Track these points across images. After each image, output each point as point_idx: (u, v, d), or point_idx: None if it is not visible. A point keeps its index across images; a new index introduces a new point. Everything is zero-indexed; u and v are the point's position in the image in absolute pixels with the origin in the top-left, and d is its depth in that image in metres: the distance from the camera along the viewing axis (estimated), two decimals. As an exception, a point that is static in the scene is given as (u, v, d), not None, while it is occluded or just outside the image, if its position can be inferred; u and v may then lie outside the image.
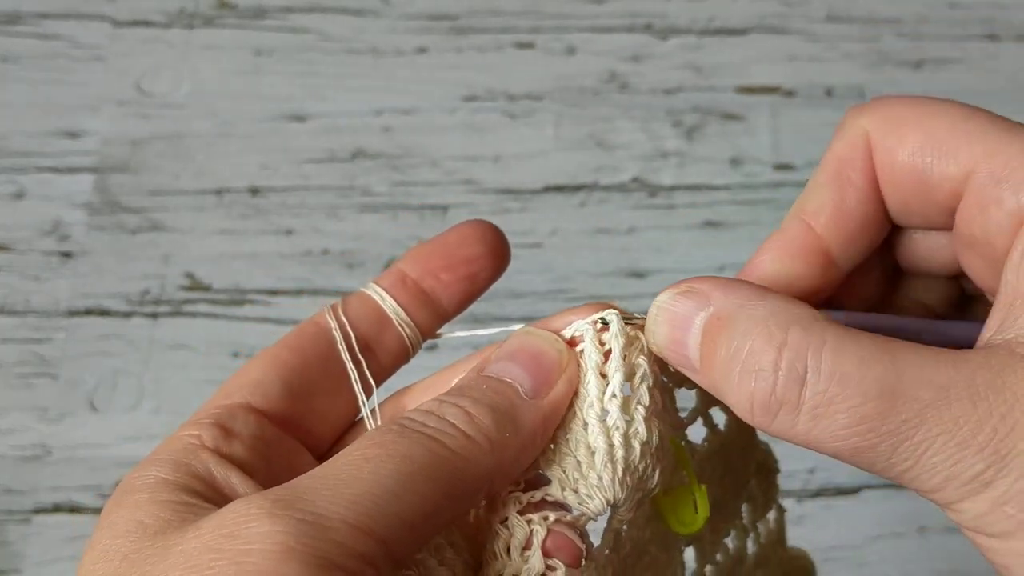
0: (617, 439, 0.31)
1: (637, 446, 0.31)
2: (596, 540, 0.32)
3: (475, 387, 0.30)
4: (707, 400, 0.36)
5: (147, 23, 0.82)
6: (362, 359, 0.36)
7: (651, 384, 0.32)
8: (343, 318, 0.36)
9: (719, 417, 0.37)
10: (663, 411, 0.32)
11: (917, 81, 0.82)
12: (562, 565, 0.30)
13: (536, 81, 0.81)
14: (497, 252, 0.38)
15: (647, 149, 0.79)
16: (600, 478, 0.30)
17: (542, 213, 0.77)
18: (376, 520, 0.26)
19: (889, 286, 0.36)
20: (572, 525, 0.31)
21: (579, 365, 0.32)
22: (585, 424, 0.31)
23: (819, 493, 0.70)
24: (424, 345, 0.38)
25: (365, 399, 0.35)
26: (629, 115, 0.80)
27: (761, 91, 0.81)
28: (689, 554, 0.38)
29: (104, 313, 0.74)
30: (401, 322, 0.36)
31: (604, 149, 0.79)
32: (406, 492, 0.27)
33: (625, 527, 0.33)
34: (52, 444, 0.70)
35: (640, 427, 0.31)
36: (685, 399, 0.35)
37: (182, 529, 0.27)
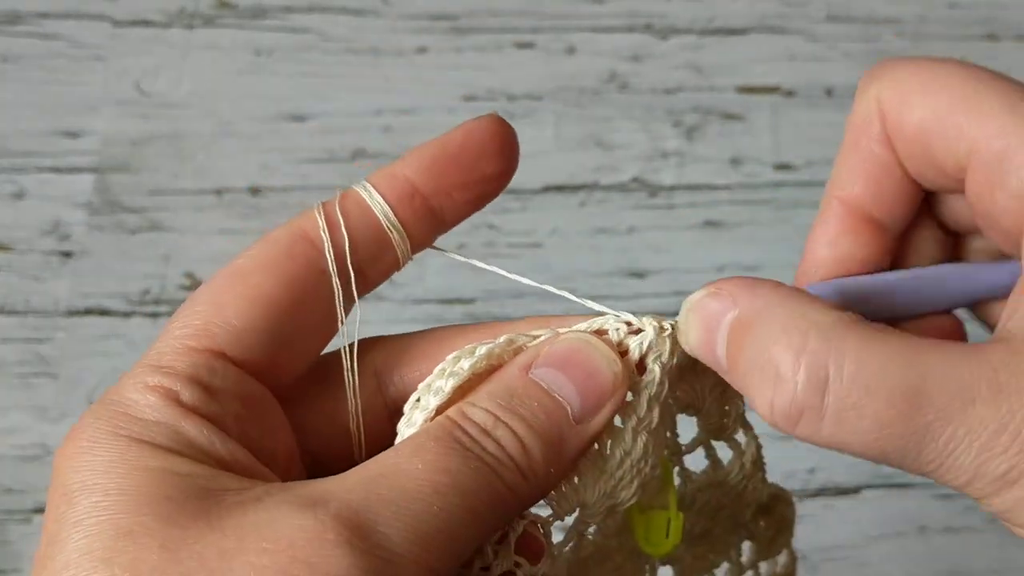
0: (601, 446, 0.30)
1: (619, 454, 0.30)
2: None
3: (527, 403, 0.29)
4: (709, 432, 0.35)
5: (147, 23, 0.82)
6: (356, 297, 0.32)
7: (652, 395, 0.31)
8: (342, 237, 0.31)
9: (724, 453, 0.36)
10: (659, 427, 0.32)
11: (917, 81, 0.82)
12: (526, 562, 0.30)
13: (536, 81, 0.81)
14: (513, 165, 0.34)
15: (647, 149, 0.79)
16: (577, 479, 0.30)
17: (542, 213, 0.77)
18: (440, 560, 0.26)
19: (949, 242, 0.35)
20: (539, 523, 0.30)
21: (628, 387, 0.31)
22: None
23: (819, 493, 0.70)
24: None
25: (351, 367, 0.32)
26: (629, 115, 0.80)
27: (761, 91, 0.81)
28: (668, 572, 0.37)
29: (104, 313, 0.74)
30: (399, 242, 0.33)
31: (604, 149, 0.79)
32: (466, 532, 0.27)
33: (592, 532, 0.33)
34: (52, 444, 0.70)
35: (627, 436, 0.31)
36: (689, 428, 0.35)
37: (228, 523, 0.25)
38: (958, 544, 0.70)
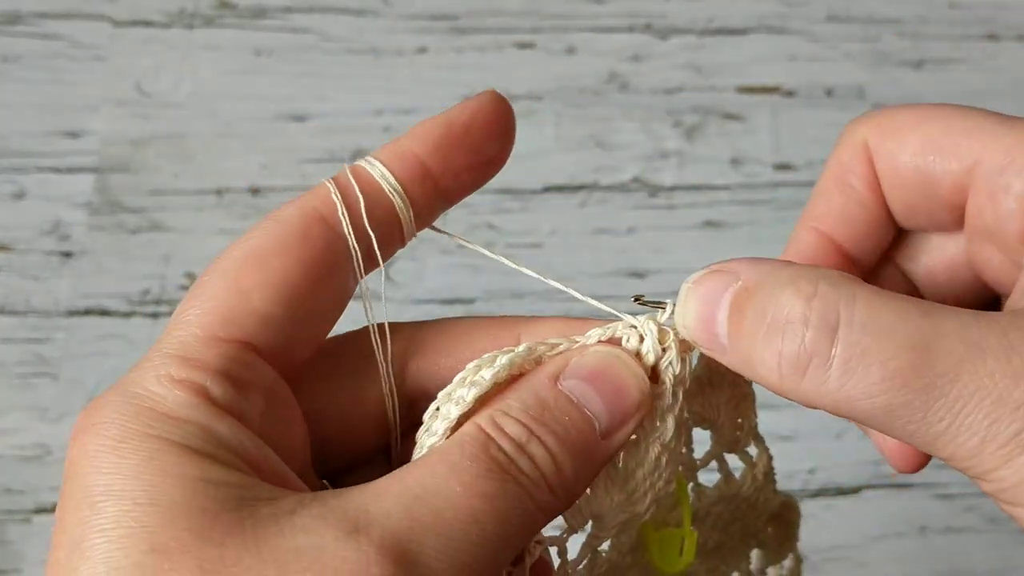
0: (616, 459, 0.30)
1: (632, 467, 0.30)
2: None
3: (558, 417, 0.28)
4: (722, 445, 0.35)
5: (147, 23, 0.82)
6: (362, 276, 0.31)
7: (666, 407, 0.31)
8: (360, 202, 0.30)
9: (736, 466, 0.36)
10: (673, 441, 0.31)
11: (917, 81, 0.82)
12: None
13: (536, 81, 0.81)
14: (512, 143, 0.33)
15: (647, 149, 0.79)
16: (590, 491, 0.30)
17: (542, 213, 0.77)
18: None
19: (915, 290, 0.36)
20: (558, 542, 0.30)
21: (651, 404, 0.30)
22: None
23: (819, 493, 0.70)
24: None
25: (386, 367, 0.32)
26: (629, 115, 0.80)
27: (761, 91, 0.81)
28: None
29: (104, 313, 0.74)
30: (409, 224, 0.32)
31: (604, 149, 0.79)
32: (500, 556, 0.27)
33: (606, 548, 0.32)
34: (52, 444, 0.70)
35: (641, 448, 0.30)
36: (703, 443, 0.35)
37: (265, 545, 0.24)
38: (958, 544, 0.70)
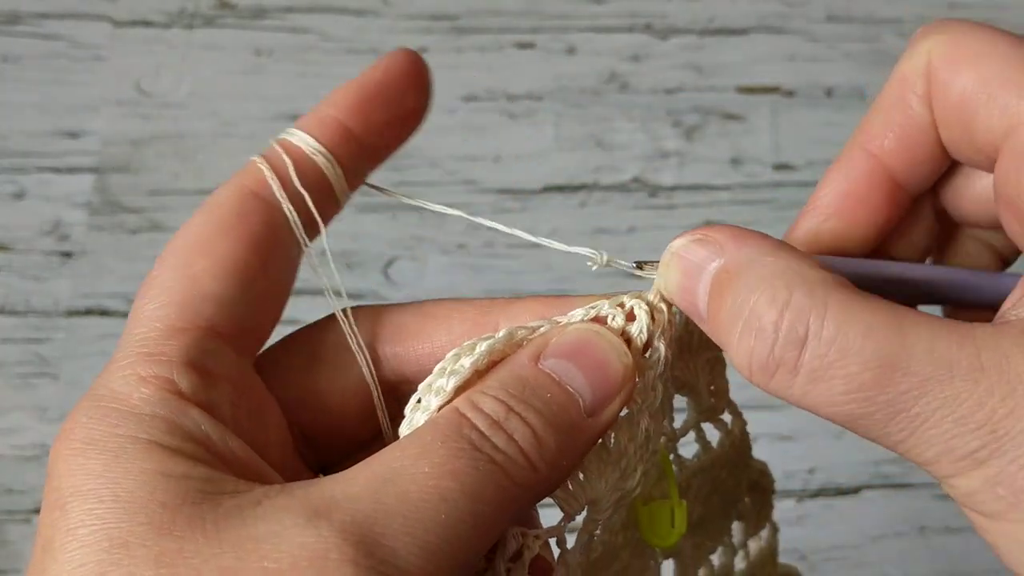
0: (607, 436, 0.30)
1: (623, 442, 0.30)
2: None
3: (539, 394, 0.28)
4: (700, 413, 0.35)
5: (147, 23, 0.82)
6: (306, 245, 0.31)
7: (657, 374, 0.30)
8: (289, 168, 0.31)
9: (712, 435, 0.36)
10: (658, 410, 0.31)
11: (917, 81, 0.82)
12: None
13: (536, 81, 0.81)
14: (429, 97, 0.34)
15: (647, 149, 0.79)
16: (580, 476, 0.30)
17: (542, 213, 0.77)
18: (444, 569, 0.25)
19: (941, 237, 0.35)
20: (557, 533, 0.30)
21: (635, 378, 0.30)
22: None
23: (819, 493, 0.70)
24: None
25: (351, 328, 0.32)
26: (629, 115, 0.80)
27: (761, 91, 0.81)
28: (670, 566, 0.37)
29: (104, 313, 0.74)
30: (337, 182, 0.32)
31: (604, 149, 0.79)
32: (473, 536, 0.26)
33: (599, 531, 0.32)
34: (52, 444, 0.70)
35: (631, 422, 0.30)
36: (679, 415, 0.35)
37: (226, 536, 0.24)
38: (958, 544, 0.70)
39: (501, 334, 0.30)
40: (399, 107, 0.33)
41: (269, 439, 0.30)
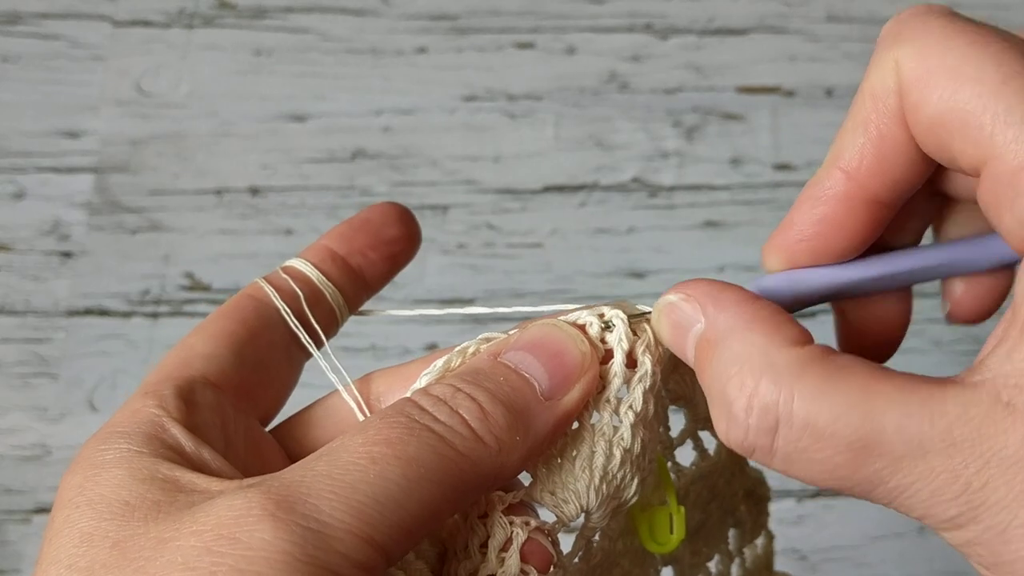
0: (601, 446, 0.30)
1: (618, 454, 0.30)
2: (568, 545, 0.32)
3: (492, 377, 0.29)
4: (697, 422, 0.35)
5: (147, 23, 0.82)
6: (313, 321, 0.35)
7: (647, 388, 0.31)
8: (288, 282, 0.36)
9: (710, 442, 0.37)
10: (653, 421, 0.32)
11: (917, 81, 0.82)
12: (534, 570, 0.29)
13: (536, 81, 0.81)
14: (414, 234, 0.39)
15: (647, 149, 0.79)
16: (576, 482, 0.30)
17: (542, 213, 0.77)
18: (378, 529, 0.25)
19: (940, 208, 0.34)
20: (547, 531, 0.30)
21: (599, 367, 0.31)
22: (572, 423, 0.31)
23: (819, 493, 0.70)
24: (351, 319, 0.39)
25: (329, 363, 0.35)
26: (629, 115, 0.80)
27: (761, 91, 0.81)
28: (668, 572, 0.37)
29: (104, 313, 0.74)
30: (332, 295, 0.36)
31: (604, 149, 0.79)
32: (410, 500, 0.26)
33: (597, 537, 0.32)
34: (52, 444, 0.70)
35: (626, 433, 0.31)
36: (677, 421, 0.35)
37: (173, 517, 0.26)
38: (958, 544, 0.70)
39: (477, 338, 0.31)
40: (379, 234, 0.38)
41: (263, 464, 0.32)
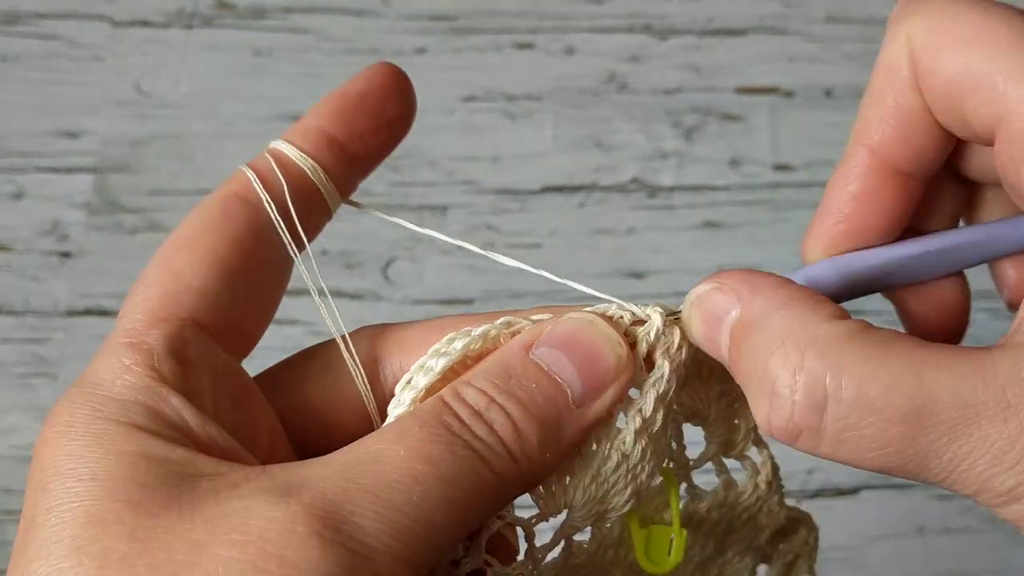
0: (600, 444, 0.29)
1: (615, 457, 0.29)
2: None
3: (524, 385, 0.28)
4: (718, 445, 0.34)
5: (146, 23, 0.82)
6: (312, 258, 0.32)
7: (660, 393, 0.30)
8: (280, 180, 0.31)
9: (738, 472, 0.35)
10: (660, 432, 0.30)
11: (916, 82, 0.82)
12: (497, 562, 0.29)
13: (535, 81, 0.81)
14: (413, 105, 0.35)
15: (646, 149, 0.79)
16: (565, 478, 0.29)
17: (541, 213, 0.77)
18: (417, 551, 0.25)
19: (969, 196, 0.34)
20: (523, 523, 0.30)
21: (632, 375, 0.29)
22: None
23: (818, 493, 0.70)
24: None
25: (337, 326, 0.32)
26: (629, 115, 0.80)
27: (761, 91, 0.81)
28: None
29: (104, 313, 0.74)
30: (327, 191, 0.33)
31: (603, 149, 0.79)
32: (448, 522, 0.26)
33: (586, 539, 0.31)
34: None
35: (628, 437, 0.29)
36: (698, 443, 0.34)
37: (200, 512, 0.24)
38: (957, 544, 0.70)
39: (499, 321, 0.29)
40: (381, 115, 0.33)
41: (256, 433, 0.30)
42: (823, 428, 0.27)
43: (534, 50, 0.82)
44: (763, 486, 0.35)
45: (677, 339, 0.30)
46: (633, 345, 0.30)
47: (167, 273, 0.30)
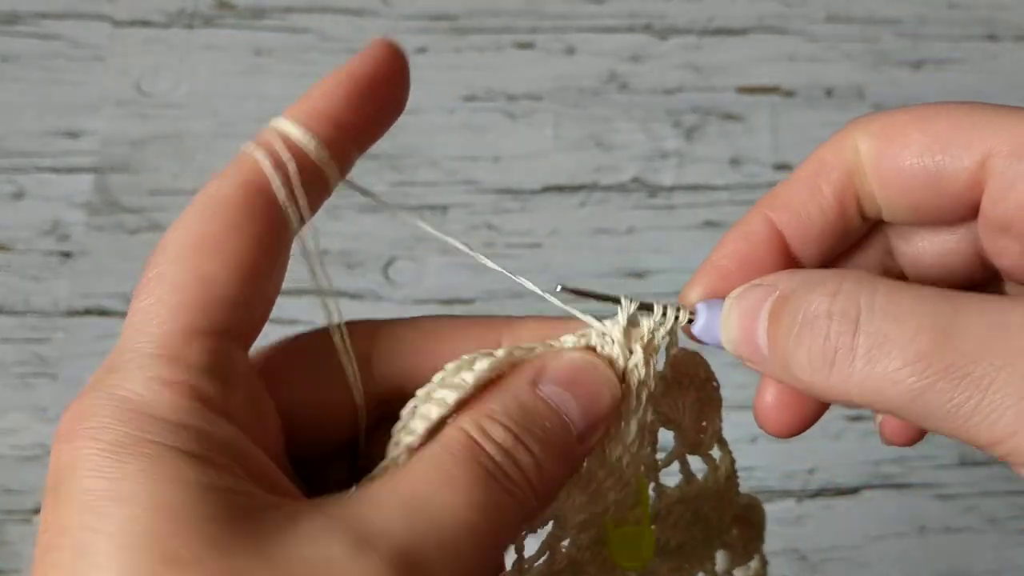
0: (584, 464, 0.31)
1: (601, 474, 0.31)
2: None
3: (539, 423, 0.29)
4: (685, 447, 0.36)
5: (147, 23, 0.82)
6: (328, 280, 0.32)
7: (638, 420, 0.32)
8: (295, 175, 0.31)
9: (699, 467, 0.37)
10: (634, 442, 0.32)
11: (916, 81, 0.82)
12: None
13: (536, 81, 0.81)
14: (408, 86, 0.34)
15: (647, 149, 0.79)
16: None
17: (542, 213, 0.77)
18: None
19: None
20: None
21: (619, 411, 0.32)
22: None
23: (819, 493, 0.70)
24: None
25: (341, 326, 0.32)
26: (629, 115, 0.80)
27: (761, 91, 0.81)
28: None
29: (104, 313, 0.74)
30: (335, 175, 0.32)
31: (604, 149, 0.79)
32: (494, 563, 0.28)
33: (565, 544, 0.33)
34: (51, 444, 0.70)
35: (613, 456, 0.31)
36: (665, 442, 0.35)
37: (276, 555, 0.24)
38: (957, 544, 0.70)
39: (501, 353, 0.31)
40: (387, 101, 0.33)
41: (270, 441, 0.30)
42: (856, 346, 0.27)
43: (534, 50, 0.82)
44: (723, 480, 0.37)
45: (641, 358, 0.32)
46: (621, 378, 0.32)
47: (195, 279, 0.28)
